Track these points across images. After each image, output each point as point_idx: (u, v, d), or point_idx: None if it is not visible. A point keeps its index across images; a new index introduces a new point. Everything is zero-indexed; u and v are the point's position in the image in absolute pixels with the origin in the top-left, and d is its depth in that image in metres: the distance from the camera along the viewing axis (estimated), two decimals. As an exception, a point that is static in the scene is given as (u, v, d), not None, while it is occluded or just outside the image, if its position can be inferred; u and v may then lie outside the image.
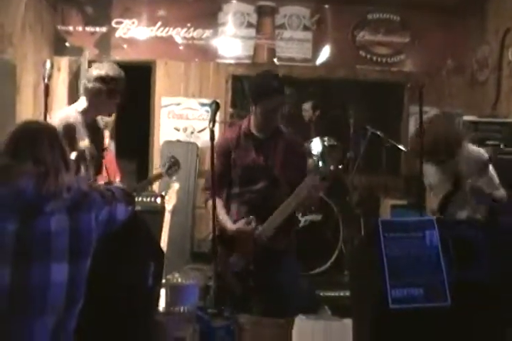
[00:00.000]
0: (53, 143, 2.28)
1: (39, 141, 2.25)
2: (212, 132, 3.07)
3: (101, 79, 3.70)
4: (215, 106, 3.32)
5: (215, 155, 3.27)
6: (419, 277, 2.44)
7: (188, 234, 6.73)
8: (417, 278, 2.44)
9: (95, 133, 3.95)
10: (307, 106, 7.23)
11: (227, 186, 3.75)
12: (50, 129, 2.41)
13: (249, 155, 3.71)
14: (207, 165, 7.18)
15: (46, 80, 3.32)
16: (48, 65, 3.39)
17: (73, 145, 3.65)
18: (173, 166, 4.18)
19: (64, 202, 2.18)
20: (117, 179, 7.21)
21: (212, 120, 3.17)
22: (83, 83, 3.87)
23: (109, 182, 4.35)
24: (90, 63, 7.30)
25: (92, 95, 3.76)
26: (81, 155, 3.72)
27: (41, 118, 3.83)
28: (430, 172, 4.31)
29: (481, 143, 5.57)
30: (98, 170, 4.09)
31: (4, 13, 5.84)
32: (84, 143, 3.78)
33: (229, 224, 3.64)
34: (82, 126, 3.78)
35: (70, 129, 3.65)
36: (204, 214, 7.35)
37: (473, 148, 4.24)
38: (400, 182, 7.51)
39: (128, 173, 8.78)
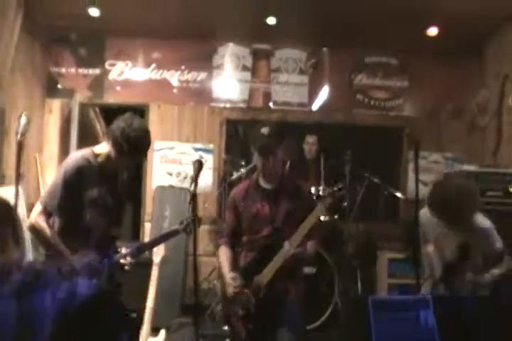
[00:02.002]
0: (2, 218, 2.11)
1: None
2: (194, 196, 2.92)
3: (126, 136, 3.40)
4: (198, 165, 3.25)
5: (228, 208, 3.97)
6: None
7: (179, 284, 6.49)
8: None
9: (113, 182, 3.67)
10: (311, 139, 7.00)
11: (238, 235, 3.95)
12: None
13: (255, 206, 3.85)
14: (200, 212, 7.00)
15: (19, 136, 3.05)
16: (23, 120, 3.13)
17: (83, 192, 3.45)
18: (191, 224, 3.87)
19: (12, 285, 2.04)
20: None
21: (195, 181, 3.12)
22: (110, 127, 3.52)
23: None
24: (83, 106, 7.23)
25: (113, 145, 3.47)
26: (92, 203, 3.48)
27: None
28: (431, 222, 4.04)
29: (481, 194, 5.40)
30: (115, 221, 3.75)
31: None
32: (95, 192, 3.50)
33: (226, 271, 3.81)
34: (97, 172, 3.51)
35: (81, 174, 3.42)
36: (198, 261, 7.15)
37: (483, 220, 3.93)
38: (398, 230, 7.29)
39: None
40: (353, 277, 6.45)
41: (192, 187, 2.93)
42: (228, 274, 3.78)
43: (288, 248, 3.64)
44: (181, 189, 7.10)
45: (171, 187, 7.23)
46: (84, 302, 2.31)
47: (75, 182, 3.39)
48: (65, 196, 3.36)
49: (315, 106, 7.79)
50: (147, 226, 7.31)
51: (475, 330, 2.34)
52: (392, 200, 7.02)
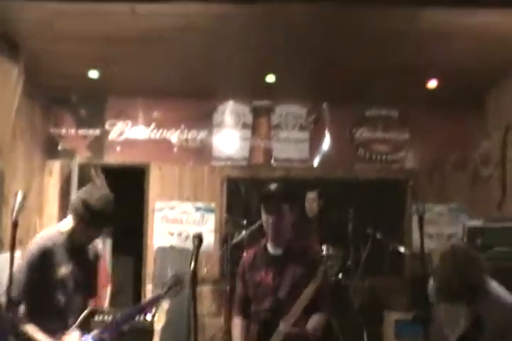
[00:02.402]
0: None
1: None
2: (194, 274, 2.77)
3: (87, 207, 3.37)
4: (198, 241, 3.10)
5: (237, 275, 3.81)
6: None
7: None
8: None
9: (84, 257, 3.63)
10: (312, 195, 6.92)
11: (249, 304, 3.72)
12: None
13: (259, 274, 3.66)
14: (202, 272, 6.90)
15: (15, 215, 2.98)
16: (20, 197, 3.07)
17: (51, 272, 3.38)
18: (174, 286, 3.74)
19: None
20: (108, 288, 6.96)
21: (195, 259, 2.96)
22: (72, 201, 3.53)
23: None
24: (83, 167, 7.22)
25: (75, 218, 3.45)
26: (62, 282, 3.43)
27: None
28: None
29: (487, 249, 5.29)
30: (89, 294, 3.73)
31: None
32: (63, 270, 3.45)
33: None
34: (64, 250, 3.46)
35: (45, 256, 3.36)
36: (201, 324, 7.04)
37: (500, 292, 3.75)
38: (404, 285, 7.15)
39: (125, 272, 8.54)
40: (359, 336, 6.27)
41: (192, 265, 2.79)
42: None
43: (283, 327, 3.39)
44: (183, 249, 7.03)
45: (172, 247, 7.17)
46: None
47: (40, 266, 3.33)
48: (31, 281, 3.31)
49: (316, 161, 7.74)
50: (149, 287, 7.17)
51: None
52: (397, 255, 6.89)
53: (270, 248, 3.68)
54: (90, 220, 3.38)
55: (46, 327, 3.32)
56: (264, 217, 3.65)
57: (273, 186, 3.72)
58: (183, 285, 3.76)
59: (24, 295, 3.26)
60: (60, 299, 3.42)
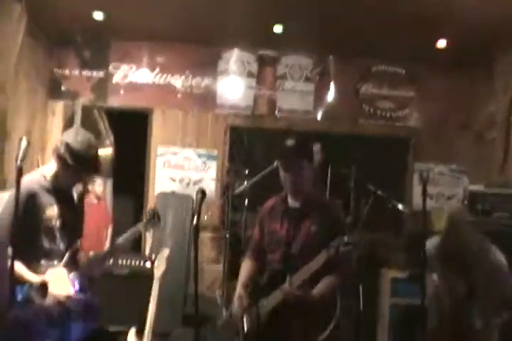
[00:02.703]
0: None
1: None
2: (196, 229, 2.70)
3: (72, 151, 3.38)
4: (201, 195, 2.95)
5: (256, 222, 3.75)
6: None
7: (181, 291, 6.43)
8: None
9: (69, 198, 3.66)
10: (315, 147, 6.90)
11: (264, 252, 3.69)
12: None
13: (276, 224, 3.61)
14: (203, 219, 6.92)
15: (19, 162, 2.93)
16: (24, 143, 3.01)
17: (36, 215, 3.41)
18: (151, 219, 3.86)
19: None
20: (109, 229, 7.02)
21: (198, 212, 2.82)
22: (55, 145, 3.52)
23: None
24: (86, 109, 7.14)
25: (60, 162, 3.46)
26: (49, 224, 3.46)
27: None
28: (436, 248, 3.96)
29: (487, 214, 5.33)
30: (77, 235, 3.74)
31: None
32: (52, 210, 3.49)
33: (238, 287, 3.69)
34: (48, 192, 3.49)
35: (31, 199, 3.37)
36: (200, 271, 7.10)
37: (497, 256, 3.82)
38: (402, 243, 7.22)
39: (126, 213, 8.58)
40: (354, 293, 6.36)
41: (194, 220, 2.78)
42: (238, 290, 3.66)
43: (286, 288, 3.35)
44: (184, 196, 7.02)
45: (174, 193, 7.15)
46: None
47: (27, 209, 3.33)
48: (18, 224, 3.19)
49: (320, 114, 7.69)
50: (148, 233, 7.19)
51: None
52: (397, 213, 6.93)
53: (290, 200, 3.61)
54: (72, 163, 3.40)
55: (33, 268, 3.36)
56: (282, 173, 3.54)
57: (290, 142, 3.53)
58: (159, 218, 3.89)
59: (12, 238, 3.25)
60: (47, 241, 3.46)
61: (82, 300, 3.46)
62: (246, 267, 3.78)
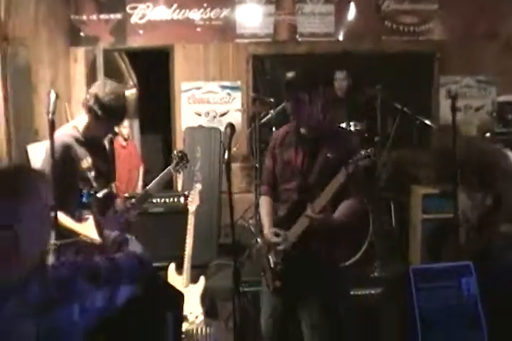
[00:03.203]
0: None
1: None
2: (228, 164, 2.72)
3: (102, 104, 3.48)
4: (231, 130, 2.84)
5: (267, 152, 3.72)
6: (456, 332, 2.23)
7: (215, 223, 6.59)
8: (453, 334, 2.23)
9: (100, 148, 3.82)
10: (341, 75, 6.90)
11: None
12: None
13: (289, 153, 3.56)
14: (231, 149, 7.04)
15: (50, 115, 3.06)
16: (53, 96, 3.12)
17: (73, 167, 3.55)
18: (180, 161, 3.98)
19: (26, 304, 1.71)
20: (141, 170, 7.21)
21: (228, 147, 2.69)
22: (84, 98, 3.62)
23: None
24: (107, 52, 7.22)
25: (91, 114, 3.56)
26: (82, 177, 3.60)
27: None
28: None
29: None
30: (109, 181, 3.89)
31: (15, 15, 5.69)
32: (85, 162, 3.63)
33: (265, 227, 3.58)
34: (81, 144, 3.62)
35: (66, 152, 3.50)
36: (232, 198, 7.27)
37: None
38: (431, 158, 7.23)
39: (154, 151, 8.78)
40: (386, 210, 6.48)
41: (226, 156, 2.79)
42: (267, 229, 3.57)
43: (309, 212, 3.31)
44: (211, 129, 7.10)
45: (201, 127, 7.25)
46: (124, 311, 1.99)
47: (64, 162, 3.44)
48: (57, 176, 3.31)
49: (342, 35, 7.59)
50: None
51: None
52: (424, 128, 6.92)
53: (302, 129, 3.57)
54: (102, 115, 3.50)
55: (74, 217, 3.49)
56: (286, 103, 3.57)
57: (291, 74, 3.52)
58: (187, 160, 4.00)
59: (53, 189, 3.41)
60: (84, 189, 3.56)
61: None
62: (263, 204, 3.73)
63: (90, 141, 3.66)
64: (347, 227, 3.50)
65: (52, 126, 3.06)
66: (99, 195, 2.22)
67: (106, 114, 3.50)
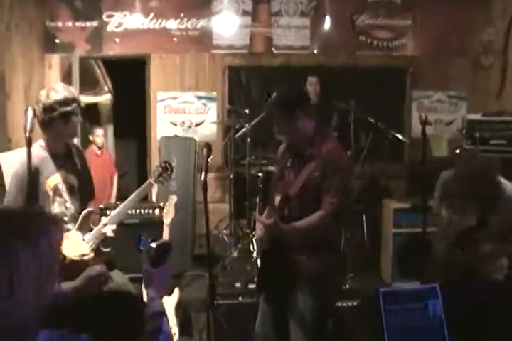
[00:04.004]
0: None
1: None
2: (205, 186, 2.73)
3: (49, 107, 3.40)
4: (207, 151, 3.01)
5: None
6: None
7: (190, 233, 6.60)
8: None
9: (72, 162, 3.73)
10: (313, 79, 6.98)
11: None
12: None
13: (285, 168, 3.65)
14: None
15: (28, 134, 3.02)
16: (30, 114, 3.10)
17: (43, 186, 3.49)
18: (164, 172, 3.87)
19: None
20: (115, 177, 7.17)
21: (205, 168, 2.81)
22: (36, 116, 3.46)
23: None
24: (82, 60, 7.19)
25: (45, 126, 3.49)
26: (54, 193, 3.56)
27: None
28: (450, 184, 4.06)
29: (485, 142, 5.41)
30: (90, 195, 3.90)
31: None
32: (55, 178, 3.56)
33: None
34: (49, 161, 3.55)
35: (35, 173, 3.41)
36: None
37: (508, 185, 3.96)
38: (403, 171, 7.37)
39: (128, 156, 8.76)
40: (358, 223, 6.55)
41: (203, 177, 2.79)
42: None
43: (261, 217, 3.43)
44: (186, 138, 7.11)
45: (176, 137, 7.24)
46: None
47: (33, 182, 3.39)
48: (28, 197, 3.37)
49: (317, 48, 7.67)
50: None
51: (487, 320, 2.39)
52: (397, 142, 7.02)
53: (290, 145, 3.67)
54: (57, 115, 3.41)
55: None
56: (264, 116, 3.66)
57: (271, 98, 3.55)
58: (172, 170, 3.90)
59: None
60: (58, 206, 3.55)
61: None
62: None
63: (59, 156, 3.61)
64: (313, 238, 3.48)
65: (30, 145, 3.04)
66: (153, 244, 2.17)
67: (59, 111, 3.41)
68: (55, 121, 3.45)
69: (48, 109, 3.42)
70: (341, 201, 3.41)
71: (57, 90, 3.47)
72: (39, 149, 3.56)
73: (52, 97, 3.43)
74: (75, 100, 3.50)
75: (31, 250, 1.59)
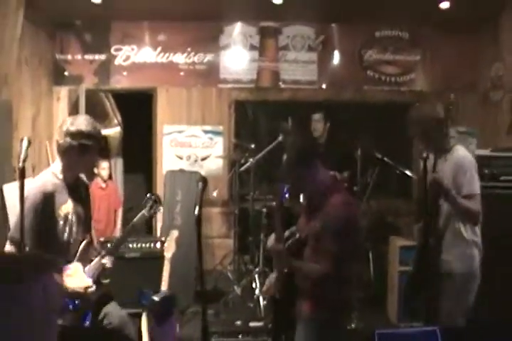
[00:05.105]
0: None
1: None
2: (199, 219, 2.76)
3: (71, 134, 3.43)
4: (203, 184, 3.02)
5: None
6: None
7: (193, 268, 6.51)
8: None
9: (79, 192, 3.73)
10: (318, 116, 6.91)
11: None
12: None
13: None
14: (212, 195, 7.05)
15: (21, 164, 3.00)
16: (25, 143, 3.08)
17: (53, 214, 3.47)
18: (154, 205, 3.92)
19: None
20: (119, 210, 7.13)
21: (199, 201, 2.90)
22: (56, 140, 3.63)
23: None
24: (91, 92, 7.22)
25: (63, 152, 3.52)
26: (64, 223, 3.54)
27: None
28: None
29: (494, 178, 5.30)
30: (89, 227, 3.86)
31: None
32: (67, 206, 3.57)
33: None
34: (62, 189, 3.56)
35: (48, 199, 3.43)
36: (211, 244, 7.25)
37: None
38: (411, 207, 7.24)
39: (137, 189, 8.71)
40: (365, 260, 6.42)
41: (196, 211, 2.83)
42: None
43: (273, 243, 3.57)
44: (192, 172, 7.08)
45: (182, 171, 7.21)
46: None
47: (44, 210, 3.41)
48: (37, 225, 3.37)
49: (324, 83, 7.66)
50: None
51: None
52: (405, 179, 6.93)
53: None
54: (76, 145, 3.43)
55: None
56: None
57: (285, 157, 3.60)
58: (160, 202, 3.95)
59: (30, 239, 3.32)
60: (64, 235, 3.54)
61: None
62: None
63: (70, 185, 3.61)
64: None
65: (23, 174, 3.01)
66: (156, 298, 2.10)
67: (79, 142, 3.43)
68: (72, 149, 3.47)
69: (69, 135, 3.44)
70: (339, 264, 3.32)
71: (83, 122, 3.51)
72: (52, 176, 3.57)
73: (77, 126, 3.46)
74: (96, 138, 3.53)
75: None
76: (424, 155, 3.95)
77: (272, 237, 3.65)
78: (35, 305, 1.48)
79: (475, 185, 3.94)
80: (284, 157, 3.59)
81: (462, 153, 4.07)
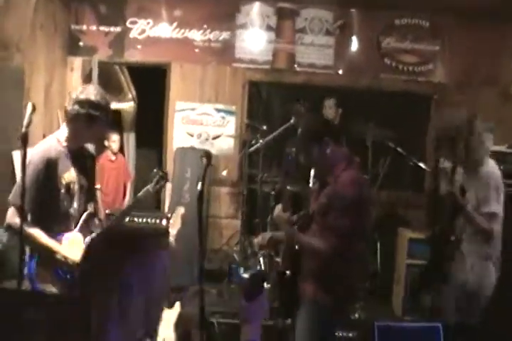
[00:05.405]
0: None
1: None
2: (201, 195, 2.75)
3: (80, 102, 3.37)
4: (207, 160, 3.08)
5: None
6: None
7: (197, 246, 6.42)
8: None
9: (83, 162, 3.65)
10: (330, 102, 6.80)
11: None
12: None
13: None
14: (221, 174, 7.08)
15: (24, 129, 2.92)
16: (29, 109, 2.98)
17: (54, 181, 3.40)
18: (160, 181, 3.92)
19: None
20: (128, 184, 7.07)
21: (202, 180, 2.91)
22: (64, 107, 3.57)
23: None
24: (106, 65, 7.14)
25: (70, 120, 3.45)
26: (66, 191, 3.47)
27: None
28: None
29: (510, 176, 5.19)
30: (91, 198, 3.81)
31: (11, 19, 5.58)
32: (70, 174, 3.49)
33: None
34: (65, 157, 3.48)
35: (50, 165, 3.37)
36: (218, 225, 7.20)
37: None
38: (422, 200, 7.15)
39: (149, 164, 8.64)
40: (372, 250, 6.32)
41: (199, 187, 2.81)
42: None
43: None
44: (202, 151, 6.97)
45: (192, 148, 7.13)
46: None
47: (46, 176, 3.36)
48: (39, 191, 3.32)
49: (340, 69, 7.55)
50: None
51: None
52: (418, 171, 6.83)
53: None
54: (84, 113, 3.38)
55: (51, 231, 3.38)
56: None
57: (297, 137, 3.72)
58: (167, 179, 3.98)
59: (32, 205, 3.27)
60: (65, 204, 3.48)
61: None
62: None
63: (74, 152, 3.53)
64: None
65: (25, 140, 2.92)
66: (246, 275, 2.09)
67: (87, 111, 3.37)
68: (78, 118, 3.40)
69: (78, 103, 3.38)
70: (342, 242, 3.31)
71: (93, 91, 3.43)
72: (56, 142, 3.49)
73: (86, 95, 3.39)
74: (106, 109, 3.46)
75: None
76: (445, 164, 3.83)
77: (279, 206, 3.69)
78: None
79: (497, 205, 3.79)
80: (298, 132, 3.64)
81: (492, 169, 3.89)
